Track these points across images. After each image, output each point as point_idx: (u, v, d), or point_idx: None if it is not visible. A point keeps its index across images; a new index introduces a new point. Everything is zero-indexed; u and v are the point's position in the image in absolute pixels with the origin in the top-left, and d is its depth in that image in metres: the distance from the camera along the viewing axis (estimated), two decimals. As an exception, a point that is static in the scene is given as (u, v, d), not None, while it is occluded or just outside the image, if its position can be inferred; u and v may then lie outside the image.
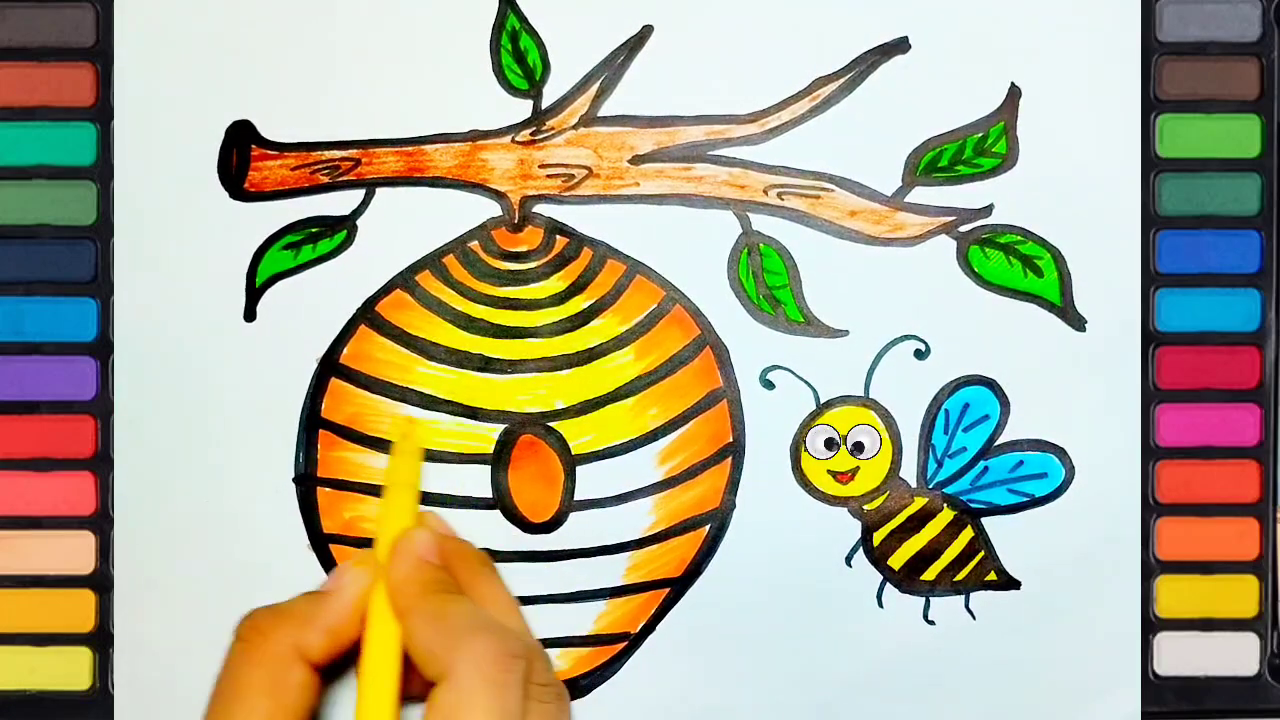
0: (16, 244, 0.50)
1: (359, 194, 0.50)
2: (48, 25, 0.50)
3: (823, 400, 0.50)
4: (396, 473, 0.42)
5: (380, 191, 0.50)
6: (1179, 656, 0.50)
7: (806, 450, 0.50)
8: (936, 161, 0.50)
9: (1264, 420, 0.50)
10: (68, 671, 0.50)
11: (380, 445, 0.49)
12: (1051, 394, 0.50)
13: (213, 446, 0.49)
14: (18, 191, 0.50)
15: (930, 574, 0.50)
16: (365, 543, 0.49)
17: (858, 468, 0.50)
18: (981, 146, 0.50)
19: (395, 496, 0.42)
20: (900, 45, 0.50)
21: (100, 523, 0.50)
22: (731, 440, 0.50)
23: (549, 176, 0.50)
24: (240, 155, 0.50)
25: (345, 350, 0.49)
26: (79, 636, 0.50)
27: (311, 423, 0.49)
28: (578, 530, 0.49)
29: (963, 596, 0.50)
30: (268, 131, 0.50)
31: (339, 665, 0.43)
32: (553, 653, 0.49)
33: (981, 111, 0.50)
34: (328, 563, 0.49)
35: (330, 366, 0.49)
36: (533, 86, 0.50)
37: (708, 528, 0.50)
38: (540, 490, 0.49)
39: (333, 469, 0.49)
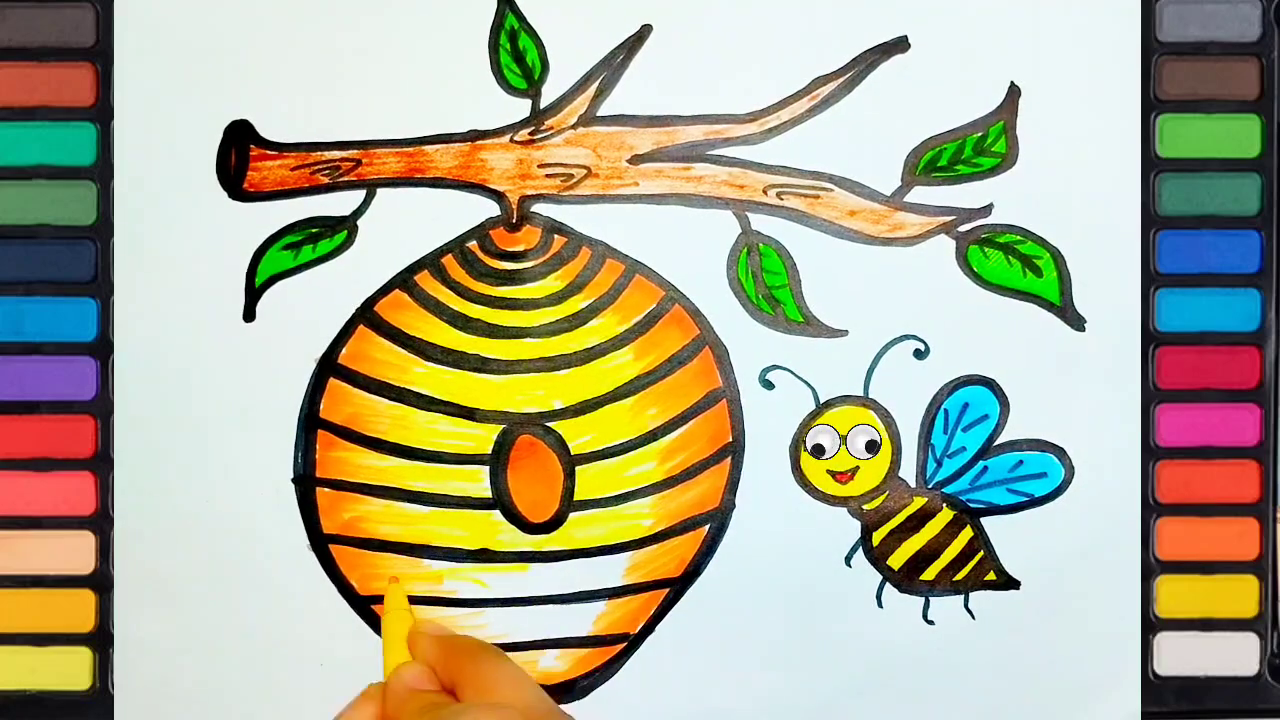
0: (16, 244, 0.50)
1: (359, 194, 0.50)
2: (48, 25, 0.50)
3: (822, 400, 0.50)
4: (390, 627, 0.48)
5: (381, 192, 0.50)
6: (1179, 656, 0.50)
7: (806, 450, 0.50)
8: (936, 161, 0.50)
9: (1264, 420, 0.50)
10: (68, 671, 0.50)
11: (379, 445, 0.49)
12: (1051, 394, 0.50)
13: (213, 446, 0.49)
14: (18, 191, 0.50)
15: (930, 574, 0.50)
16: (365, 543, 0.49)
17: (857, 467, 0.50)
18: (981, 146, 0.50)
19: (391, 645, 0.47)
20: (900, 45, 0.50)
21: (100, 523, 0.50)
22: (731, 440, 0.50)
23: (548, 176, 0.50)
24: (239, 155, 0.50)
25: (344, 350, 0.49)
26: (79, 636, 0.50)
27: (310, 423, 0.49)
28: (578, 530, 0.49)
29: (962, 596, 0.50)
30: (267, 131, 0.50)
31: None
32: (552, 653, 0.49)
33: (981, 111, 0.50)
34: (327, 563, 0.49)
35: (329, 366, 0.49)
36: (531, 86, 0.50)
37: (707, 528, 0.50)
38: (540, 490, 0.49)
39: (332, 469, 0.49)
